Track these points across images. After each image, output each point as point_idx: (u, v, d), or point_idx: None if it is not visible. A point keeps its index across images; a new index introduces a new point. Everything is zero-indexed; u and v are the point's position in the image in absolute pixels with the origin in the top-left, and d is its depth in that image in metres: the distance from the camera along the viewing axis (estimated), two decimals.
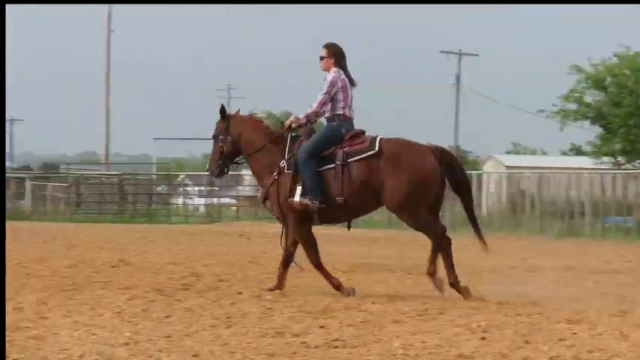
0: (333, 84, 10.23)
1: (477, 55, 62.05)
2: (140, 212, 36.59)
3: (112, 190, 38.50)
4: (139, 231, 25.02)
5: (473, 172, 31.48)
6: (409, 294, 10.29)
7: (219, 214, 36.33)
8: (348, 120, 10.30)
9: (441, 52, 60.10)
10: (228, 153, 10.59)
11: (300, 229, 10.19)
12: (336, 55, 10.41)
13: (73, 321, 7.61)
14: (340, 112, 10.26)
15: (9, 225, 22.58)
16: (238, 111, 10.73)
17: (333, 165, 10.06)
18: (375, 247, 19.29)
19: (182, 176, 49.11)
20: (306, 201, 10.02)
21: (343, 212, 10.15)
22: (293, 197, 10.05)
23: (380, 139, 10.13)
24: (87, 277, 11.09)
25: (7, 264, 11.85)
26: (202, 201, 39.88)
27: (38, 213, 35.08)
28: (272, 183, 10.22)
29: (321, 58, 10.42)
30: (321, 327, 7.56)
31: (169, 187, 40.19)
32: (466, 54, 60.42)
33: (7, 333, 6.94)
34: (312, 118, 10.38)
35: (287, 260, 10.28)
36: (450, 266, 9.90)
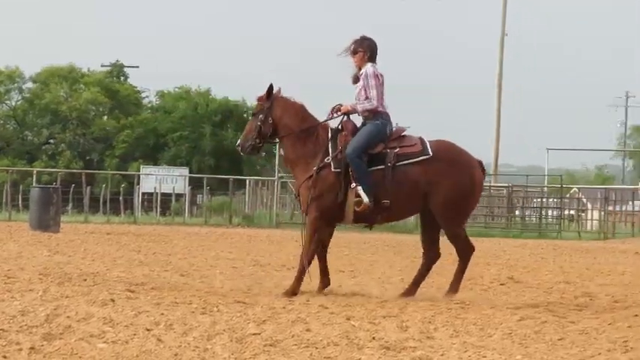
0: (376, 77, 9.84)
1: None
2: (529, 226, 35.98)
3: (500, 203, 38.10)
4: (529, 246, 24.48)
5: None
6: None
7: (613, 230, 35.01)
8: (388, 118, 9.95)
9: None
10: (266, 133, 10.19)
11: (318, 227, 9.77)
12: (370, 49, 10.02)
13: (461, 342, 7.19)
14: (381, 109, 9.89)
15: None
16: (280, 92, 10.22)
17: (383, 166, 9.73)
18: None
19: (574, 189, 47.97)
20: (367, 201, 9.67)
21: (385, 215, 9.88)
22: (360, 198, 9.62)
23: (429, 142, 9.88)
24: (475, 295, 10.69)
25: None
26: (596, 216, 38.58)
27: None
28: (310, 176, 9.77)
29: (355, 52, 9.97)
30: None
31: (561, 201, 39.04)
32: None
33: (392, 353, 6.71)
34: (366, 113, 9.88)
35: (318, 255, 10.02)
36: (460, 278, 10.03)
